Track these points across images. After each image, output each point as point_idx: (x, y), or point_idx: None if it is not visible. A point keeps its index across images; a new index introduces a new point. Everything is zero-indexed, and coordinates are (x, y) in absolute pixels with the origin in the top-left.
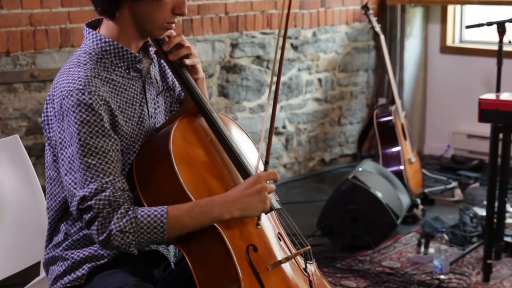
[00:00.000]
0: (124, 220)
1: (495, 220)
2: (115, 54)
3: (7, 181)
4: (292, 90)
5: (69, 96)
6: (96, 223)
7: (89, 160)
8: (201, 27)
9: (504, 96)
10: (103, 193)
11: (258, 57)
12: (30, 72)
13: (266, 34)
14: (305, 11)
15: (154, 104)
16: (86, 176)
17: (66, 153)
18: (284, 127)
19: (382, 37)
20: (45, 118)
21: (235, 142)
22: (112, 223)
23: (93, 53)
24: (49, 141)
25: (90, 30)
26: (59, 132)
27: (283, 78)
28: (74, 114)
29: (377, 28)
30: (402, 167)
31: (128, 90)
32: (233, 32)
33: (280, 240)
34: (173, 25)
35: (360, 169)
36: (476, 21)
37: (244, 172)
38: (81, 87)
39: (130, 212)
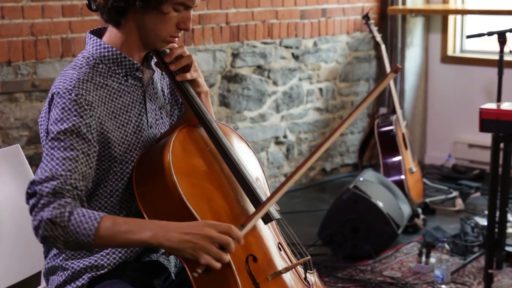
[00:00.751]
0: (59, 212)
1: (496, 230)
2: (113, 60)
3: (8, 190)
4: (293, 100)
5: (57, 94)
6: (35, 210)
7: (54, 152)
8: (202, 36)
9: (505, 105)
10: (51, 182)
11: (259, 67)
12: (31, 81)
13: (267, 44)
14: (306, 20)
15: (156, 115)
16: (45, 165)
17: (44, 142)
18: (285, 136)
19: (383, 47)
20: (40, 119)
21: (235, 153)
22: (47, 210)
23: (91, 58)
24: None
25: (92, 36)
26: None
27: (283, 88)
28: (57, 110)
29: (378, 37)
30: (403, 176)
31: (124, 96)
32: (234, 42)
33: (280, 250)
34: (176, 39)
35: (361, 178)
36: (477, 30)
37: (244, 182)
38: (70, 87)
39: (68, 207)
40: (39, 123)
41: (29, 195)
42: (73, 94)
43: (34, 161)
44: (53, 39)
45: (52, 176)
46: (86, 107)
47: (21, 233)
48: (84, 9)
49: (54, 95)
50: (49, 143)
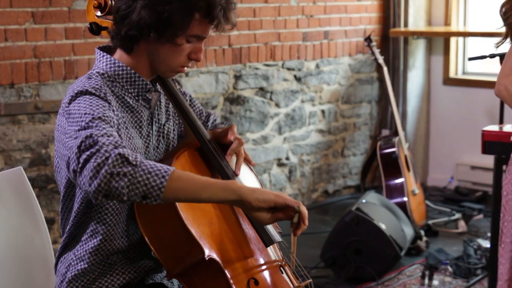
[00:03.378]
0: (129, 152)
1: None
2: (127, 80)
3: (11, 213)
4: (295, 122)
5: (85, 92)
6: (96, 155)
7: (101, 125)
8: (204, 59)
9: (507, 128)
10: (111, 137)
11: (261, 89)
12: (34, 103)
13: (269, 66)
14: (308, 43)
15: (159, 137)
16: (95, 130)
17: (70, 133)
18: (287, 158)
19: (385, 69)
20: (55, 135)
21: (238, 176)
22: (117, 150)
23: (106, 75)
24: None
25: (104, 53)
26: (65, 132)
27: (286, 110)
28: (88, 101)
29: (380, 60)
30: (405, 198)
31: (136, 114)
32: (237, 64)
33: (282, 273)
34: (185, 68)
35: (364, 200)
36: (479, 53)
37: None
38: (97, 86)
39: (137, 154)
40: (56, 128)
41: (84, 149)
42: (101, 93)
43: (37, 183)
44: (56, 61)
45: (109, 134)
46: (112, 106)
47: (23, 256)
48: (87, 31)
49: (80, 93)
50: (89, 120)
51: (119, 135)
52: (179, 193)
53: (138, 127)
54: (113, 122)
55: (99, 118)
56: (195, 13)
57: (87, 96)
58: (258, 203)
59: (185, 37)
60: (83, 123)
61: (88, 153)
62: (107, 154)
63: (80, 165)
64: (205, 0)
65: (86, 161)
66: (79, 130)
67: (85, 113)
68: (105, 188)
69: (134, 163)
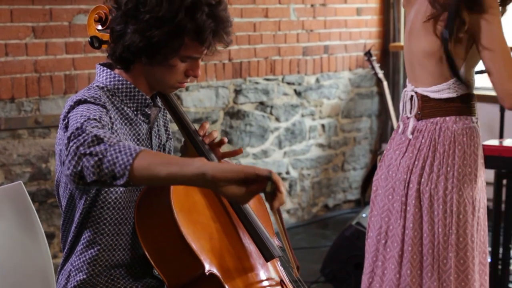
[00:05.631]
0: (107, 134)
1: (499, 267)
2: (126, 94)
3: (11, 227)
4: (295, 136)
5: (84, 101)
6: (81, 134)
7: (94, 124)
8: (205, 73)
9: (507, 142)
10: (100, 130)
11: (261, 103)
12: (34, 118)
13: (270, 80)
14: (309, 57)
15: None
16: (86, 123)
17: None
18: (287, 172)
19: (385, 83)
20: (56, 145)
21: None
22: (95, 131)
23: (106, 88)
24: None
25: (104, 68)
26: (62, 141)
27: (286, 124)
28: (85, 108)
29: (380, 74)
30: None
31: (135, 128)
32: (237, 78)
33: None
34: (185, 84)
35: (364, 215)
36: (479, 67)
37: (246, 219)
38: (97, 96)
39: (119, 137)
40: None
41: (76, 135)
42: (101, 101)
43: (37, 197)
44: (56, 75)
45: (101, 127)
46: (110, 113)
47: (23, 271)
48: (87, 46)
49: (78, 102)
50: (84, 117)
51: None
52: (144, 171)
53: (136, 140)
54: (108, 126)
55: (94, 119)
56: (184, 37)
57: (86, 104)
58: (224, 174)
59: (179, 57)
60: (78, 123)
61: (75, 140)
62: (86, 137)
63: (69, 155)
64: (193, 23)
65: (72, 148)
66: (73, 131)
67: (81, 115)
68: (78, 169)
69: (108, 143)
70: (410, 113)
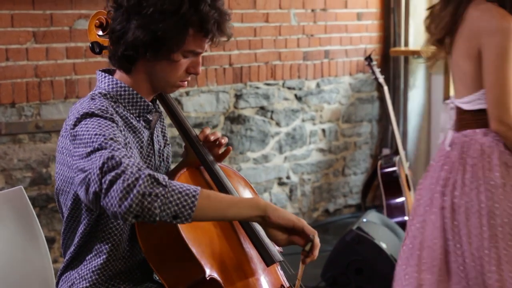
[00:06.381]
0: (160, 175)
1: None
2: (128, 100)
3: (11, 232)
4: (296, 141)
5: (91, 114)
6: (123, 175)
7: (116, 146)
8: (205, 78)
9: None
10: (134, 159)
11: (262, 108)
12: (35, 123)
13: (270, 85)
14: (309, 62)
15: (160, 157)
16: (113, 151)
17: (82, 156)
18: (288, 177)
19: (385, 88)
20: (57, 157)
21: (238, 195)
22: (145, 171)
23: (108, 95)
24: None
25: (106, 74)
26: (71, 155)
27: (286, 129)
28: (96, 123)
29: (381, 79)
30: (406, 217)
31: (139, 134)
32: (237, 83)
33: None
34: (186, 83)
35: (364, 219)
36: None
37: (247, 224)
38: (103, 108)
39: (164, 175)
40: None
41: (107, 171)
42: (108, 114)
43: (37, 202)
44: (57, 80)
45: (130, 156)
46: (120, 127)
47: (24, 276)
48: (88, 51)
49: (86, 115)
50: (103, 142)
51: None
52: (208, 212)
53: (139, 147)
54: (123, 143)
55: (111, 139)
56: (189, 29)
57: (94, 118)
58: (278, 220)
59: (181, 52)
60: (96, 144)
61: (113, 174)
62: (136, 175)
63: (105, 186)
64: (197, 15)
65: (112, 182)
66: (92, 151)
67: (95, 134)
68: (136, 209)
69: (164, 183)
70: (450, 125)
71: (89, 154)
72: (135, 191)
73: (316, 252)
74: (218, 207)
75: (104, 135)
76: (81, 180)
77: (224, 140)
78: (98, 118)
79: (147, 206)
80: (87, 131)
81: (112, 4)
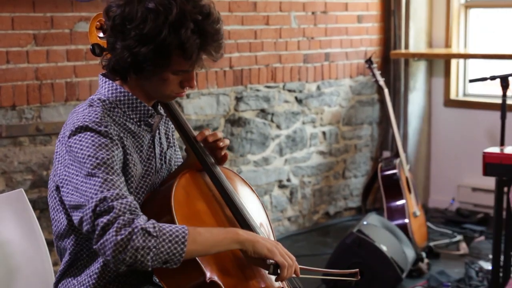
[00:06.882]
0: (149, 223)
1: (501, 274)
2: (128, 105)
3: (12, 235)
4: (296, 143)
5: (85, 127)
6: (116, 224)
7: (106, 176)
8: (205, 80)
9: (509, 149)
10: (125, 199)
11: (262, 111)
12: (35, 125)
13: (271, 88)
14: (309, 64)
15: (161, 160)
16: (103, 186)
17: (75, 179)
18: (288, 180)
19: (386, 91)
20: (54, 159)
21: (239, 197)
22: (136, 222)
23: (107, 101)
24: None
25: (107, 80)
26: (66, 167)
27: (287, 131)
28: (90, 140)
29: (381, 81)
30: (406, 220)
31: (138, 139)
32: (238, 86)
33: None
34: (184, 93)
35: (365, 222)
36: (480, 75)
37: (247, 227)
38: (97, 120)
39: (152, 220)
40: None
41: (99, 214)
42: (102, 127)
43: (38, 205)
44: (57, 83)
45: (122, 194)
46: (114, 138)
47: (24, 278)
48: (88, 53)
49: (80, 129)
50: (96, 168)
51: (124, 165)
52: (195, 253)
53: (139, 151)
54: (118, 161)
55: (104, 163)
56: (171, 52)
57: (88, 133)
58: (252, 254)
59: (170, 71)
60: (88, 169)
61: (104, 220)
62: (129, 229)
63: (97, 232)
64: (178, 39)
65: (103, 229)
66: (86, 175)
67: (88, 155)
68: (130, 261)
69: (155, 234)
70: None
71: (82, 178)
72: (129, 247)
73: (285, 274)
74: (203, 249)
75: (96, 157)
76: (74, 207)
77: (223, 143)
78: (92, 133)
79: (140, 259)
80: (81, 149)
81: (104, 16)
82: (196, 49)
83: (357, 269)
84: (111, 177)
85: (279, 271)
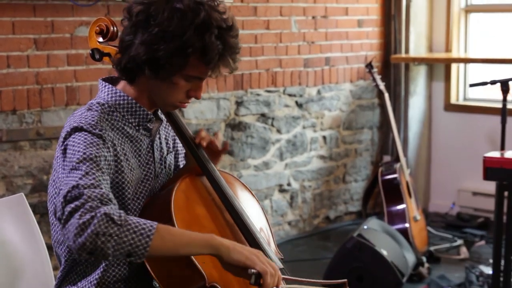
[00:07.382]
0: (114, 211)
1: (501, 279)
2: (127, 109)
3: (12, 239)
4: (296, 148)
5: (80, 128)
6: (82, 209)
7: (89, 170)
8: (206, 85)
9: (509, 154)
10: (99, 189)
11: (262, 115)
12: (36, 130)
13: (271, 92)
14: (310, 69)
15: (161, 165)
16: (82, 178)
17: (61, 173)
18: (288, 184)
19: (386, 95)
20: (53, 165)
21: (238, 202)
22: (101, 208)
23: (106, 105)
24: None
25: (107, 84)
26: (62, 168)
27: (287, 136)
28: (82, 139)
29: (381, 86)
30: (407, 225)
31: (136, 144)
32: (238, 90)
33: None
34: (186, 104)
35: (365, 226)
36: (480, 79)
37: (247, 231)
38: (93, 123)
39: (121, 211)
40: (54, 163)
41: (69, 200)
42: (97, 130)
43: (38, 209)
44: (58, 87)
45: (97, 184)
46: (108, 142)
47: (25, 283)
48: (89, 58)
49: (75, 129)
50: (82, 162)
51: (117, 170)
52: (162, 251)
53: (137, 156)
54: (105, 161)
55: (90, 159)
56: (190, 55)
57: (82, 133)
58: (229, 260)
59: (182, 76)
60: (74, 163)
61: (72, 205)
62: (92, 213)
63: (64, 217)
64: (201, 43)
65: (70, 214)
66: (70, 169)
67: (78, 151)
68: (90, 247)
69: (119, 222)
70: None
71: (67, 172)
72: (89, 230)
73: (268, 282)
74: (171, 247)
75: (84, 153)
76: (54, 205)
77: (222, 147)
78: (86, 133)
79: (100, 245)
80: (73, 146)
81: (125, 14)
82: (217, 55)
83: (345, 280)
84: (93, 172)
85: (261, 282)
